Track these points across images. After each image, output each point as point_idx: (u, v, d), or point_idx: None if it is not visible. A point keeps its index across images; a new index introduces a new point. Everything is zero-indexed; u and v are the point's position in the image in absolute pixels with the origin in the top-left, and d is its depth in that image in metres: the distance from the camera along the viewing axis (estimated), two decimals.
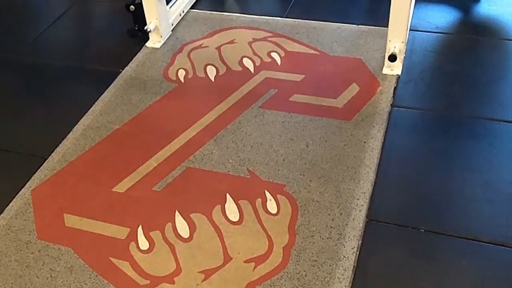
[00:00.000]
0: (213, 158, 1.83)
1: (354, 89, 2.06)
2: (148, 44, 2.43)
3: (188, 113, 2.02)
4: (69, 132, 2.00)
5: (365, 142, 1.83)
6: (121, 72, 2.29)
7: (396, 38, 2.07)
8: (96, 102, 2.13)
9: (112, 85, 2.22)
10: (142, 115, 2.05)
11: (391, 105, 1.99)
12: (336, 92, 2.05)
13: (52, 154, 1.91)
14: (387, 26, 2.07)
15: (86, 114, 2.08)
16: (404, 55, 2.15)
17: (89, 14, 2.86)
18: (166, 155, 1.86)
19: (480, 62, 2.19)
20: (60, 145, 1.95)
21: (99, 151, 1.91)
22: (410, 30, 2.32)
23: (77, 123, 2.04)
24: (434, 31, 2.39)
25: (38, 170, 1.85)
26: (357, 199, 1.64)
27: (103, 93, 2.18)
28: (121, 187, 1.75)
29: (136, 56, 2.37)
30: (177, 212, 1.64)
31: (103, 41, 2.57)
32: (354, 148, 1.81)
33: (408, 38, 2.24)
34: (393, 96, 2.02)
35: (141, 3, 2.35)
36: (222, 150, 1.85)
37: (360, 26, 2.42)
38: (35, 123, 2.09)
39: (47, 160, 1.89)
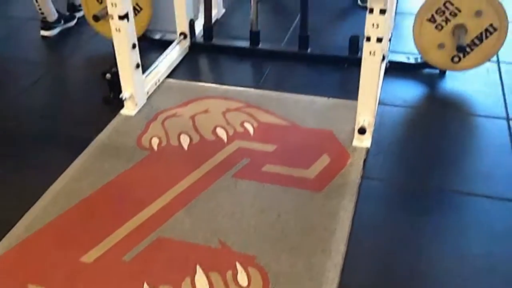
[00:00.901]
0: (185, 227, 1.81)
1: (325, 160, 2.10)
2: (122, 111, 2.45)
3: (160, 182, 2.02)
4: (38, 199, 1.97)
5: (336, 213, 1.84)
6: (94, 138, 2.29)
7: (365, 112, 2.13)
8: (68, 168, 2.12)
9: (84, 151, 2.21)
10: (114, 183, 2.04)
11: (361, 177, 2.02)
12: (308, 163, 2.08)
13: (19, 221, 1.87)
14: (357, 99, 2.14)
15: (56, 180, 2.05)
16: (373, 128, 2.22)
17: (64, 81, 2.88)
18: (137, 224, 1.84)
19: (447, 135, 2.27)
20: (28, 212, 1.91)
21: (68, 218, 1.88)
22: (379, 104, 2.40)
23: (47, 189, 2.01)
24: (402, 105, 2.47)
25: (4, 238, 1.80)
26: (329, 271, 1.63)
27: (75, 159, 2.17)
28: (89, 257, 1.72)
29: (111, 123, 2.38)
30: (145, 285, 1.61)
31: (77, 107, 2.58)
32: (325, 219, 1.82)
33: (377, 112, 2.31)
34: (363, 168, 2.06)
35: (117, 71, 2.40)
36: (194, 219, 1.84)
37: (330, 98, 2.49)
38: (3, 189, 2.06)
39: (13, 228, 1.85)
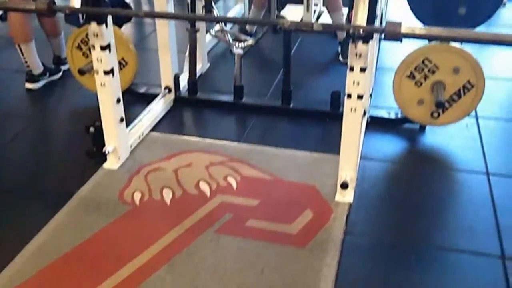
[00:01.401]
0: (166, 284, 1.78)
1: (308, 215, 2.09)
2: (105, 165, 2.44)
3: (142, 238, 2.00)
4: (17, 255, 1.93)
5: (319, 270, 1.83)
6: (76, 193, 2.27)
7: (347, 167, 2.16)
8: (48, 224, 2.08)
9: (65, 206, 2.18)
10: (94, 238, 2.01)
11: (344, 232, 2.02)
12: (291, 218, 2.08)
13: None
14: (339, 153, 2.16)
15: (36, 236, 2.02)
16: (356, 182, 2.23)
17: (47, 134, 2.87)
18: (118, 281, 1.80)
19: (428, 190, 2.29)
20: (6, 268, 1.87)
21: (47, 275, 1.84)
22: (360, 158, 2.43)
23: (25, 245, 1.97)
24: (384, 159, 2.50)
25: None
26: None
27: (55, 214, 2.14)
28: None
29: (93, 177, 2.37)
30: None
31: (59, 161, 2.57)
32: (309, 276, 1.81)
33: (359, 167, 2.34)
34: (346, 224, 2.06)
35: (100, 125, 2.40)
36: (176, 276, 1.81)
37: (313, 153, 2.51)
38: None
39: None
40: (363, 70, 1.96)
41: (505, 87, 3.24)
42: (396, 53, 2.91)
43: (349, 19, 1.88)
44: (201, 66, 3.36)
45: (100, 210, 2.16)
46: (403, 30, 1.72)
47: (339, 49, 3.54)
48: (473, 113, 2.79)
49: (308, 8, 3.90)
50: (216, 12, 2.82)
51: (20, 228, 2.09)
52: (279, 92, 2.93)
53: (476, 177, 2.37)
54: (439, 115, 2.58)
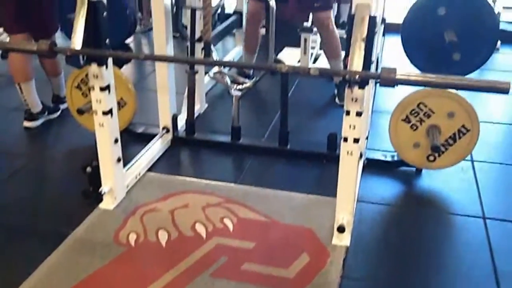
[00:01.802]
0: None
1: (304, 259, 2.08)
2: (101, 205, 2.43)
3: (137, 280, 1.97)
4: None
5: None
6: (71, 233, 2.25)
7: (344, 210, 2.15)
8: (41, 265, 2.06)
9: (59, 247, 2.16)
10: (89, 280, 1.98)
11: (341, 276, 2.00)
12: (287, 261, 2.06)
13: None
14: (336, 196, 2.16)
15: (30, 276, 1.99)
16: (353, 226, 2.23)
17: (44, 173, 2.87)
18: None
19: (425, 234, 2.28)
20: None
21: None
22: (357, 201, 2.43)
23: (20, 285, 1.95)
24: (380, 202, 2.50)
25: None
26: None
27: (49, 254, 2.12)
28: None
29: (88, 218, 2.35)
30: None
31: (55, 201, 2.56)
32: None
33: (355, 210, 2.33)
34: (343, 267, 2.05)
35: (97, 165, 2.41)
36: None
37: (310, 195, 2.51)
38: None
39: None
40: (359, 114, 1.99)
41: (499, 131, 3.27)
42: (393, 95, 2.95)
43: (345, 64, 1.91)
44: (199, 106, 3.39)
45: (95, 251, 2.14)
46: (398, 76, 1.75)
47: (336, 91, 3.59)
48: (468, 156, 2.80)
49: (305, 51, 3.97)
50: (215, 55, 2.86)
51: (14, 268, 2.07)
52: (276, 133, 2.95)
53: (473, 221, 2.37)
54: (435, 158, 2.60)
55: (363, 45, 1.84)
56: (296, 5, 3.42)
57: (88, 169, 2.44)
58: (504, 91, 1.71)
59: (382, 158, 2.80)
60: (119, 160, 2.43)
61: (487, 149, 2.94)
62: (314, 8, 3.40)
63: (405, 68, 2.42)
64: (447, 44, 2.31)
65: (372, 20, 1.87)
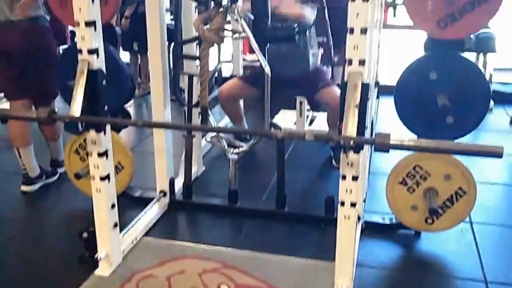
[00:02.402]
0: None
1: None
2: (97, 272, 2.40)
3: None
4: None
5: None
6: None
7: (343, 275, 2.13)
8: None
9: None
10: None
11: None
12: None
13: None
14: (334, 261, 2.14)
15: None
16: None
17: (40, 238, 2.84)
18: None
19: None
20: None
21: None
22: (356, 266, 2.40)
23: None
24: (379, 266, 2.47)
25: None
26: None
27: None
28: None
29: (84, 284, 2.32)
30: None
31: (51, 266, 2.53)
32: None
33: (355, 274, 2.30)
34: None
35: (94, 230, 2.39)
36: None
37: (308, 259, 2.48)
38: None
39: None
40: (355, 178, 2.00)
41: (497, 192, 3.27)
42: (390, 157, 2.95)
43: (339, 129, 1.94)
44: (197, 169, 3.41)
45: None
46: (392, 141, 1.78)
47: (332, 153, 3.61)
48: (467, 218, 2.79)
49: (301, 113, 4.03)
50: (212, 119, 2.90)
51: None
52: (274, 196, 2.95)
53: (474, 285, 2.34)
54: (433, 221, 2.59)
55: (356, 111, 1.87)
56: (300, 90, 3.52)
57: (85, 234, 2.43)
58: (497, 155, 1.72)
59: (381, 221, 2.78)
60: (115, 225, 2.42)
61: (485, 211, 2.93)
62: (319, 88, 3.44)
63: (400, 130, 2.48)
64: (440, 107, 2.34)
65: (365, 87, 1.91)
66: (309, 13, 3.29)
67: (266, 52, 2.62)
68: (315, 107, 3.72)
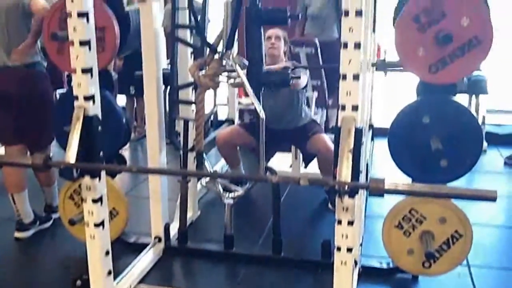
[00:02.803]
0: None
1: None
2: None
3: None
4: None
5: None
6: None
7: None
8: None
9: None
10: None
11: None
12: None
13: None
14: None
15: None
16: None
17: (34, 285, 2.80)
18: None
19: None
20: None
21: None
22: None
23: None
24: None
25: None
26: None
27: None
28: None
29: None
30: None
31: None
32: None
33: None
34: None
35: (87, 278, 2.36)
36: None
37: None
38: None
39: None
40: (350, 223, 1.99)
41: (494, 234, 3.26)
42: (386, 199, 2.95)
43: (334, 175, 1.95)
44: (192, 214, 3.39)
45: None
46: (387, 186, 1.78)
47: (327, 196, 3.61)
48: (464, 261, 2.77)
49: (296, 156, 4.04)
50: (207, 164, 2.91)
51: None
52: (270, 240, 2.92)
53: None
54: (430, 265, 2.56)
55: (350, 156, 1.88)
56: (291, 141, 3.57)
57: (78, 282, 2.40)
58: (491, 199, 1.73)
59: (378, 265, 2.76)
60: (109, 273, 2.39)
61: (482, 253, 2.91)
62: (309, 136, 3.47)
63: (395, 173, 2.48)
64: (434, 151, 2.36)
65: (358, 132, 1.93)
66: (303, 79, 3.36)
67: (261, 96, 2.65)
68: (308, 160, 3.72)
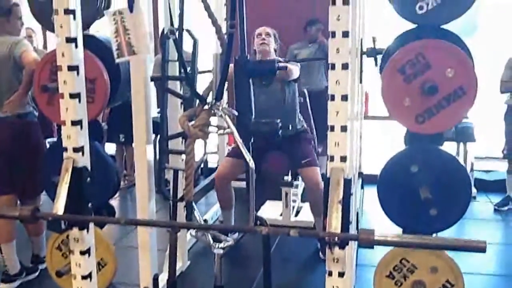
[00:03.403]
0: None
1: None
2: None
3: None
4: None
5: None
6: None
7: None
8: None
9: None
10: None
11: None
12: None
13: None
14: None
15: None
16: None
17: None
18: None
19: None
20: None
21: None
22: None
23: None
24: None
25: None
26: None
27: None
28: None
29: None
30: None
31: None
32: None
33: None
34: None
35: None
36: None
37: None
38: None
39: None
40: (341, 274, 1.98)
41: (485, 283, 3.24)
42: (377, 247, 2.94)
43: (324, 225, 1.94)
44: (181, 264, 3.35)
45: None
46: (377, 237, 1.78)
47: (319, 245, 3.59)
48: None
49: (287, 204, 4.03)
50: (197, 214, 2.89)
51: None
52: None
53: None
54: None
55: (340, 207, 1.88)
56: (284, 162, 3.56)
57: None
58: (481, 250, 1.73)
59: None
60: None
61: None
62: (302, 165, 3.49)
63: (386, 221, 2.47)
64: (423, 200, 2.36)
65: (347, 182, 1.94)
66: (294, 68, 3.40)
67: (251, 146, 2.67)
68: (295, 176, 3.74)
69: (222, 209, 3.81)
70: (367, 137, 5.07)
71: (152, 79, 3.02)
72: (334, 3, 1.90)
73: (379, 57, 2.99)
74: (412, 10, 2.30)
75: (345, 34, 1.91)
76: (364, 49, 3.25)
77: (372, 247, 1.78)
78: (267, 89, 3.44)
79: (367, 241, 1.78)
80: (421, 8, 2.29)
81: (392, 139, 4.21)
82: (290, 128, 3.47)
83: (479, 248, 1.73)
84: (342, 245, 1.91)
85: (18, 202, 3.22)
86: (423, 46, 2.30)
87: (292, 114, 3.55)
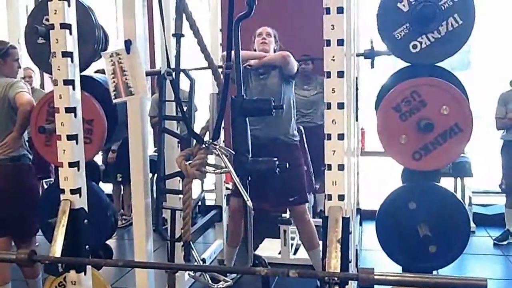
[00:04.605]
0: None
1: None
2: None
3: None
4: None
5: None
6: None
7: None
8: None
9: None
10: None
11: None
12: None
13: None
14: None
15: None
16: None
17: None
18: None
19: None
20: None
21: None
22: None
23: None
24: None
25: None
26: None
27: None
28: None
29: None
30: None
31: None
32: None
33: None
34: None
35: None
36: None
37: None
38: None
39: None
40: None
41: None
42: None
43: (323, 266, 1.93)
44: None
45: None
46: (376, 276, 1.76)
47: (318, 283, 3.54)
48: None
49: (285, 242, 4.00)
50: (195, 254, 2.86)
51: None
52: None
53: None
54: None
55: (339, 246, 1.87)
56: (274, 201, 3.54)
57: None
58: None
59: None
60: None
61: None
62: (289, 202, 3.50)
63: (385, 258, 2.45)
64: (422, 237, 2.35)
65: (346, 221, 1.93)
66: (291, 60, 3.42)
67: (248, 185, 2.66)
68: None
69: (229, 247, 3.77)
70: (364, 172, 5.07)
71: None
72: (328, 12, 1.93)
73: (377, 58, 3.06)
74: (406, 49, 2.34)
75: (340, 42, 1.93)
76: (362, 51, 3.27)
77: (372, 287, 1.76)
78: (263, 82, 3.45)
79: (367, 281, 1.75)
80: (414, 47, 2.32)
81: (390, 174, 4.22)
82: (280, 130, 3.50)
83: (480, 286, 1.71)
84: (342, 285, 1.88)
85: (13, 243, 3.18)
86: (417, 84, 2.32)
87: (287, 115, 3.52)
